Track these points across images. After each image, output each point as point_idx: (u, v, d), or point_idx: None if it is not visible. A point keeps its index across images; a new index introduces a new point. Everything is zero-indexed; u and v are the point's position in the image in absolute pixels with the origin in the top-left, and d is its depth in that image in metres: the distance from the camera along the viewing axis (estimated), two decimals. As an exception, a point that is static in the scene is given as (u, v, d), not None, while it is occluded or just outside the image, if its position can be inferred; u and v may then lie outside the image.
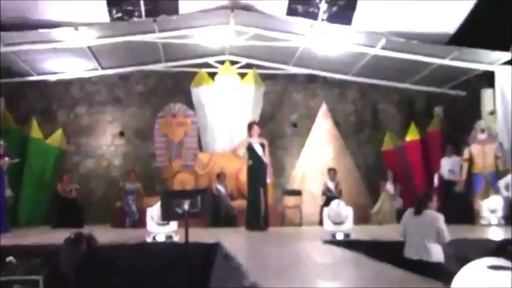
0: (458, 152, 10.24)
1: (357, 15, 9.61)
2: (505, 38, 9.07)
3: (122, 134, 12.32)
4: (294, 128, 12.85)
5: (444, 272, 4.84)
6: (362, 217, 10.03)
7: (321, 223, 8.54)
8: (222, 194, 10.08)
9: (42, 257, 5.55)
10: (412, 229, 5.39)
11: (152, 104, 12.35)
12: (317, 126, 12.11)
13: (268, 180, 8.28)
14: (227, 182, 10.36)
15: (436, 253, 5.23)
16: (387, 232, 6.53)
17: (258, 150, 8.19)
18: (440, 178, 10.25)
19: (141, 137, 12.30)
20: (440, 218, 5.30)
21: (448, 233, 5.27)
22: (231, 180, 10.55)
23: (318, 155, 11.75)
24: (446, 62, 10.27)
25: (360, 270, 4.32)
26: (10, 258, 5.47)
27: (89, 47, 10.42)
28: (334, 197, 9.42)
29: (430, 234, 5.24)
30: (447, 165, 10.17)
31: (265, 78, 12.36)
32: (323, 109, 12.19)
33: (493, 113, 10.32)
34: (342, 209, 7.04)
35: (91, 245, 5.50)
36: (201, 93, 11.62)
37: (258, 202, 7.99)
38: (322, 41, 10.48)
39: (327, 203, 9.02)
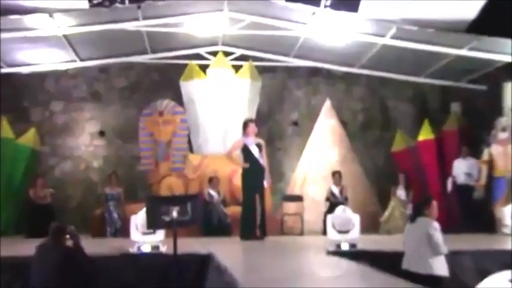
0: (478, 154, 10.27)
1: (365, 1, 9.64)
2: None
3: (102, 133, 12.35)
4: (295, 127, 12.89)
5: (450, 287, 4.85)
6: (370, 225, 10.05)
7: (324, 232, 8.71)
8: (214, 200, 10.09)
9: (12, 272, 5.52)
10: (406, 238, 5.42)
11: (136, 100, 12.35)
12: (320, 125, 12.11)
13: (266, 185, 8.31)
14: (220, 187, 10.39)
15: (437, 266, 5.18)
16: (397, 242, 6.55)
17: (254, 151, 8.20)
18: (454, 183, 10.27)
19: (123, 137, 12.30)
20: (432, 224, 5.28)
21: (443, 243, 5.22)
22: (224, 184, 10.58)
23: (321, 157, 11.76)
24: (464, 52, 10.34)
25: (367, 284, 4.36)
26: None
27: (66, 36, 10.41)
28: (339, 203, 9.46)
29: (423, 244, 5.24)
30: (462, 168, 10.20)
31: (263, 71, 12.36)
32: (327, 106, 12.18)
33: (516, 109, 10.37)
34: (348, 216, 7.06)
35: (75, 241, 5.47)
36: (191, 88, 11.62)
37: (254, 209, 8.00)
38: (326, 29, 10.54)
39: (331, 209, 9.05)
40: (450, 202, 10.49)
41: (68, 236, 5.43)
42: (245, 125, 8.42)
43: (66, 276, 5.20)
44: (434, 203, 5.43)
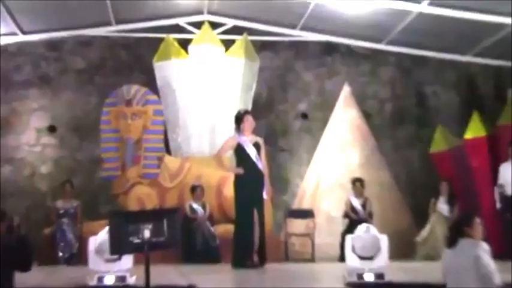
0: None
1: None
2: None
3: (52, 129, 12.39)
4: (303, 120, 12.91)
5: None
6: (402, 249, 10.07)
7: (342, 258, 8.60)
8: (198, 216, 10.07)
9: None
10: (447, 267, 5.43)
11: (97, 85, 12.37)
12: (337, 118, 12.11)
13: (266, 196, 8.31)
14: (206, 199, 10.36)
15: None
16: (437, 271, 6.54)
17: (251, 152, 8.21)
18: (501, 194, 10.29)
19: (80, 134, 12.31)
20: (480, 246, 5.24)
21: (496, 271, 5.18)
22: (211, 196, 10.55)
23: (337, 160, 11.75)
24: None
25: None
26: None
27: (3, 2, 10.45)
28: (362, 221, 9.41)
29: (469, 273, 5.22)
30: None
31: (261, 47, 12.38)
32: (345, 93, 12.20)
33: None
34: (373, 237, 7.05)
35: (18, 231, 5.55)
36: (169, 70, 11.63)
37: (250, 228, 8.00)
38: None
39: (350, 228, 9.07)
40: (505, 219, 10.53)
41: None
42: (239, 118, 8.41)
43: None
44: (478, 220, 5.43)
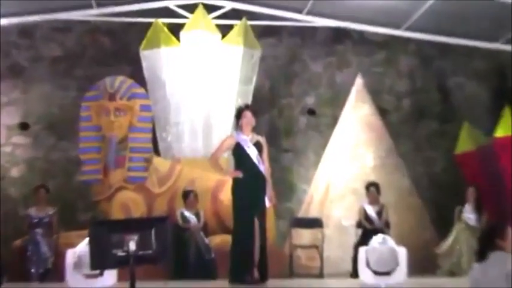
0: None
1: None
2: None
3: (24, 126, 12.41)
4: (310, 117, 12.96)
5: None
6: (423, 263, 10.13)
7: (354, 273, 8.81)
8: (191, 226, 10.04)
9: None
10: (476, 283, 5.40)
11: (75, 77, 12.36)
12: (348, 115, 12.15)
13: (268, 203, 8.25)
14: (200, 206, 10.32)
15: None
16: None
17: (252, 153, 8.15)
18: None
19: (55, 132, 12.33)
20: None
21: None
22: (206, 202, 10.56)
23: (349, 162, 11.79)
24: None
25: None
26: None
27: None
28: (377, 231, 9.55)
29: None
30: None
31: (263, 34, 12.39)
32: (358, 86, 12.23)
33: None
34: (390, 249, 7.08)
35: None
36: (158, 59, 11.64)
37: (250, 238, 7.90)
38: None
39: (364, 240, 9.15)
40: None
41: None
42: (238, 114, 8.38)
43: None
44: (510, 231, 5.41)
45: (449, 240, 10.82)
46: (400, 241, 7.64)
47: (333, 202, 11.59)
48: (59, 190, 11.48)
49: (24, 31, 12.47)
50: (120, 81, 11.21)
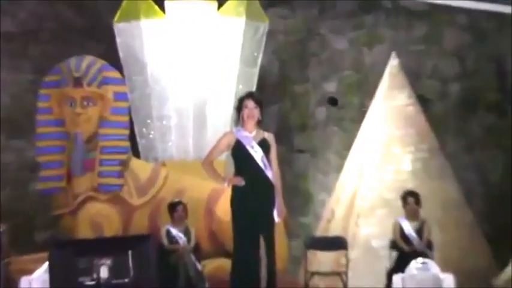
0: None
1: None
2: None
3: (-30, 122, 12.00)
4: (332, 108, 13.09)
5: None
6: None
7: (387, 307, 8.59)
8: (180, 247, 10.18)
9: None
10: None
11: (31, 57, 12.61)
12: (379, 105, 12.28)
13: (277, 218, 8.24)
14: (191, 222, 10.40)
15: None
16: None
17: (256, 154, 8.13)
18: None
19: (6, 128, 12.50)
20: None
21: None
22: (199, 217, 10.68)
23: (381, 166, 11.91)
24: None
25: None
26: None
27: None
28: (417, 254, 9.76)
29: None
30: None
31: (270, 4, 12.44)
32: (392, 69, 12.29)
33: None
34: (433, 277, 7.16)
35: None
36: (137, 35, 11.84)
37: (254, 263, 7.95)
38: None
39: (401, 264, 9.53)
40: None
41: None
42: (238, 105, 8.32)
43: None
44: None
45: (509, 268, 10.47)
46: (446, 267, 7.71)
47: (360, 217, 11.75)
48: (9, 202, 11.55)
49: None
50: (89, 63, 11.12)
